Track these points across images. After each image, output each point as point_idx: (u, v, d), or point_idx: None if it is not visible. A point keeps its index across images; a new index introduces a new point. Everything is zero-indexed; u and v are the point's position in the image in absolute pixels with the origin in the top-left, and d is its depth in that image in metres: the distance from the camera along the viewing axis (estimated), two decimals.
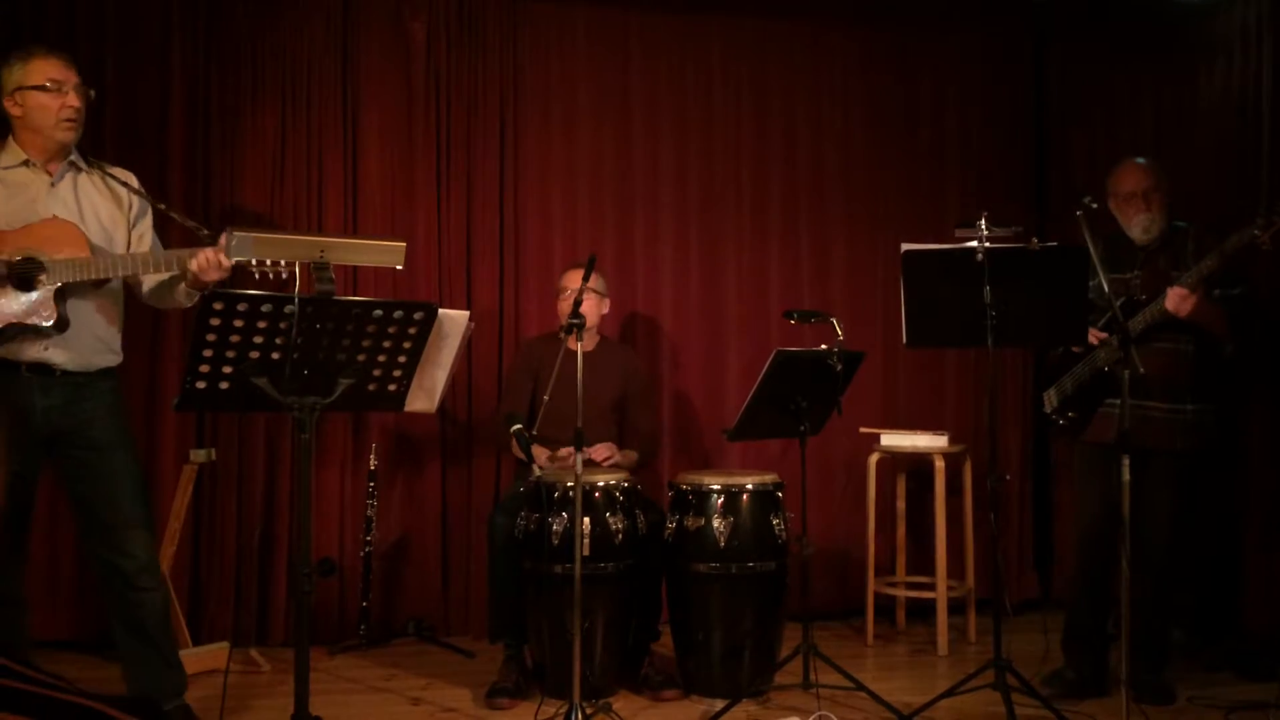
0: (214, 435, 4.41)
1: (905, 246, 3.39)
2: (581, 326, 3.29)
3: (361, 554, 4.45)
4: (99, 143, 4.07)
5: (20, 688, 0.76)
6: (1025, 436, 5.16)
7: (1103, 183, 3.83)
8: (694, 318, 4.95)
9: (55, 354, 3.03)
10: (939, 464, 4.49)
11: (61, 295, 2.99)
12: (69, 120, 3.09)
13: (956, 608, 4.64)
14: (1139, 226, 3.71)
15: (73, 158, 3.17)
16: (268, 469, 4.50)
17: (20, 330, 2.97)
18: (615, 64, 4.91)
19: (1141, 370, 3.23)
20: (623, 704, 3.68)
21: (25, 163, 3.10)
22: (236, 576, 4.43)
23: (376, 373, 2.67)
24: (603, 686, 3.68)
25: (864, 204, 5.09)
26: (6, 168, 3.09)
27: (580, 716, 3.19)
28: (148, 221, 3.28)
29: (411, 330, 2.63)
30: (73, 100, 3.08)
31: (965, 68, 5.16)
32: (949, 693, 3.46)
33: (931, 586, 4.57)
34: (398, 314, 2.59)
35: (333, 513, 4.55)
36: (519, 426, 3.60)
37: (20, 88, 3.06)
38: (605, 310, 4.25)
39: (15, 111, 3.08)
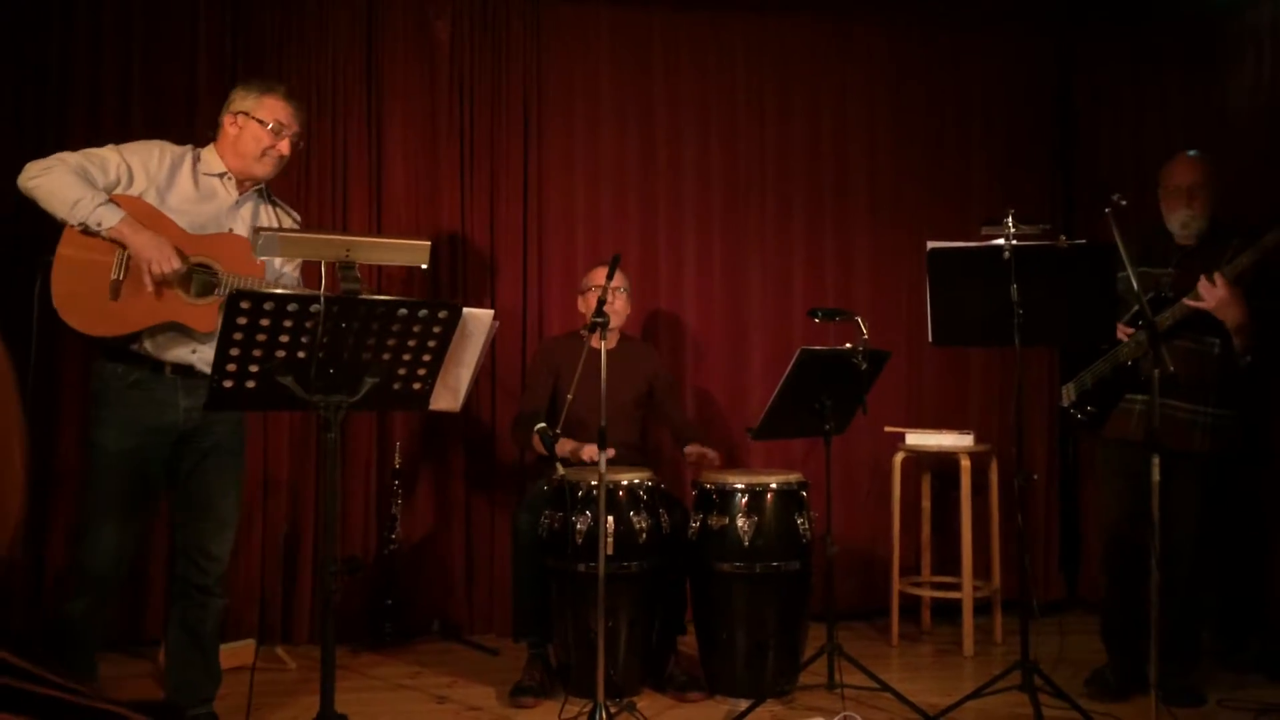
0: None
1: (931, 244, 3.37)
2: (605, 325, 3.28)
3: (386, 552, 4.47)
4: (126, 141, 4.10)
5: (33, 690, 0.75)
6: (1052, 436, 5.12)
7: (1129, 180, 3.79)
8: (717, 316, 4.94)
9: (200, 359, 3.11)
10: (964, 463, 4.46)
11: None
12: (272, 161, 3.21)
13: (982, 608, 4.61)
14: (1178, 221, 3.64)
15: (261, 186, 3.29)
16: (293, 468, 4.52)
17: (175, 329, 3.06)
18: (638, 63, 4.91)
19: (1171, 369, 3.19)
20: (647, 703, 3.67)
21: (222, 175, 3.21)
22: (262, 574, 4.45)
23: (401, 372, 2.67)
24: (627, 686, 3.67)
25: (889, 201, 5.07)
26: (206, 173, 3.20)
27: (604, 715, 3.19)
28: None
29: (436, 329, 2.63)
30: (284, 149, 3.21)
31: (991, 65, 5.13)
32: (975, 694, 3.44)
33: (957, 587, 4.54)
34: (422, 313, 2.59)
35: (358, 511, 4.57)
36: (543, 425, 3.60)
37: (246, 113, 3.19)
38: (629, 309, 4.25)
39: (231, 130, 3.21)
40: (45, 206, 2.93)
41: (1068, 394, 3.83)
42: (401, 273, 4.57)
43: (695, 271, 4.93)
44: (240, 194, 3.23)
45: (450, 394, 3.13)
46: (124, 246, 2.96)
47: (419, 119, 4.68)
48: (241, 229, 3.20)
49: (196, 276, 3.06)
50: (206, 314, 3.07)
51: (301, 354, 2.52)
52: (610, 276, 3.46)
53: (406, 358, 2.65)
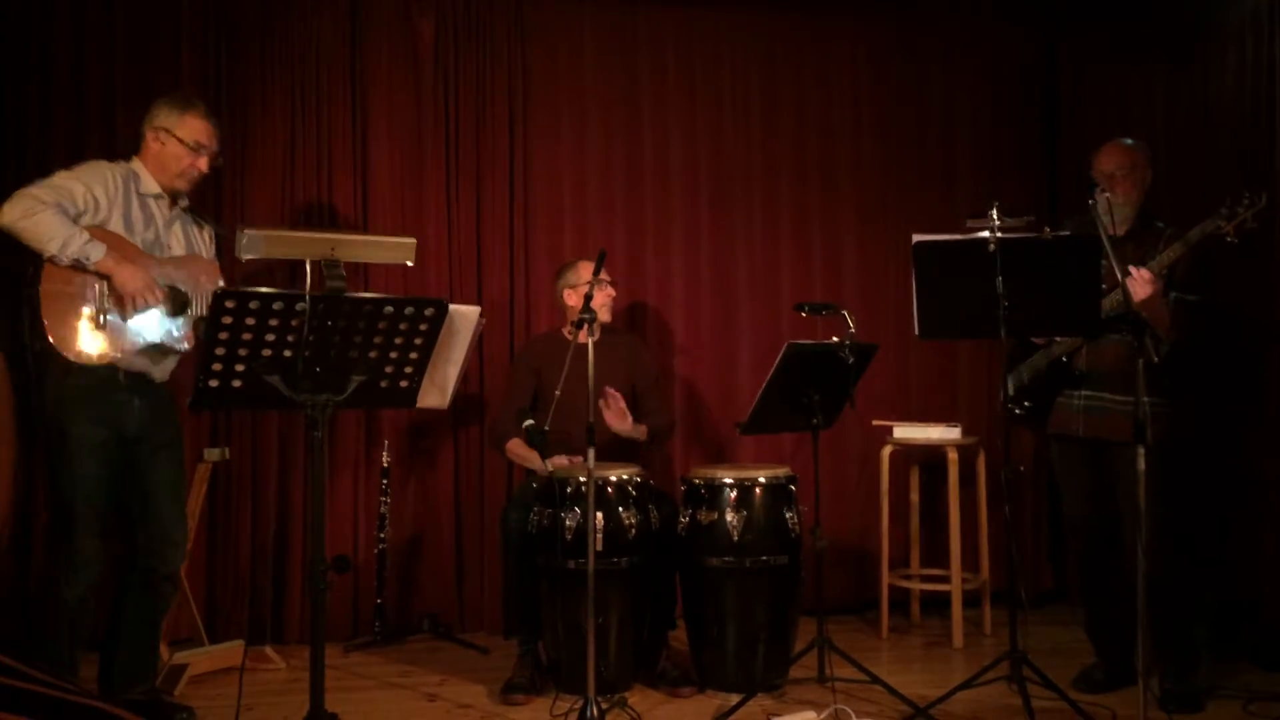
0: (228, 434, 4.43)
1: (916, 237, 3.38)
2: (593, 320, 3.29)
3: (375, 551, 4.46)
4: (110, 141, 4.08)
5: (31, 689, 0.76)
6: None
7: None
8: (705, 311, 4.95)
9: (158, 370, 3.30)
10: (952, 456, 4.48)
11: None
12: (191, 178, 3.36)
13: (971, 600, 4.63)
14: (1102, 208, 3.64)
15: (186, 203, 3.43)
16: (281, 467, 4.51)
17: (157, 348, 3.23)
18: (623, 60, 4.91)
19: (1156, 358, 3.19)
20: (638, 699, 3.68)
21: (157, 196, 3.33)
22: (251, 574, 4.45)
23: (388, 369, 2.67)
24: (618, 681, 3.67)
25: (875, 196, 5.08)
26: (145, 194, 3.31)
27: (595, 711, 3.19)
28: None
29: (422, 326, 2.63)
30: (203, 165, 3.36)
31: (976, 60, 5.14)
32: (965, 685, 3.44)
33: (946, 579, 4.55)
34: (409, 311, 2.59)
35: (346, 510, 4.56)
36: (531, 422, 3.59)
37: (169, 130, 3.31)
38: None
39: (155, 146, 3.33)
40: (33, 245, 3.04)
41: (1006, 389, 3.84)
42: (387, 270, 4.56)
43: (683, 267, 4.94)
44: (169, 213, 3.36)
45: (438, 391, 3.14)
46: (107, 277, 3.10)
47: (404, 118, 4.67)
48: (178, 248, 3.35)
49: (170, 297, 3.23)
50: (186, 334, 3.29)
51: (288, 352, 2.52)
52: (597, 272, 3.46)
53: (393, 355, 2.65)
